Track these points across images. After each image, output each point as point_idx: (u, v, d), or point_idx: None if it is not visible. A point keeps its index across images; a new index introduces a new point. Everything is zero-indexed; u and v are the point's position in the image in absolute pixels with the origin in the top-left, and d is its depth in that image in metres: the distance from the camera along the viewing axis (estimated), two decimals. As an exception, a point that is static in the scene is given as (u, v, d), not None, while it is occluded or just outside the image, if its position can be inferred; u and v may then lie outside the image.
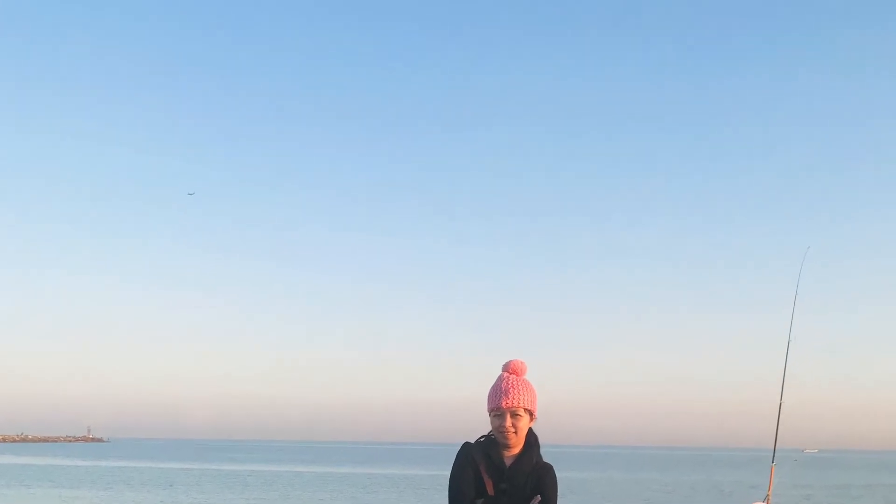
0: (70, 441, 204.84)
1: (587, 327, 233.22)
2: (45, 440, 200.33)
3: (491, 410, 4.13)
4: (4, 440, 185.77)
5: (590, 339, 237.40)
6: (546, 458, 4.20)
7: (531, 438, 4.16)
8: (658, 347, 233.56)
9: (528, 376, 4.20)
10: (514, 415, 4.07)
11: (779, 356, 9.41)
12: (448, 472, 4.13)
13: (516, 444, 4.11)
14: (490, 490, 4.05)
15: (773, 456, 9.38)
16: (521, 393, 4.10)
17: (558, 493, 4.15)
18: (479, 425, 4.21)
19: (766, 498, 9.81)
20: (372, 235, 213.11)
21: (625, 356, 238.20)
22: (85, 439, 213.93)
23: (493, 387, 4.15)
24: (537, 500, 4.07)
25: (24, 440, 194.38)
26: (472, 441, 4.17)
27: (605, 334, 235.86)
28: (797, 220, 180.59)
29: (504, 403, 4.07)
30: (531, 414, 4.14)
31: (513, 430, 4.07)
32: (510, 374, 4.17)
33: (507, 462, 4.10)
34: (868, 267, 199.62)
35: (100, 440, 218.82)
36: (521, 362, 4.21)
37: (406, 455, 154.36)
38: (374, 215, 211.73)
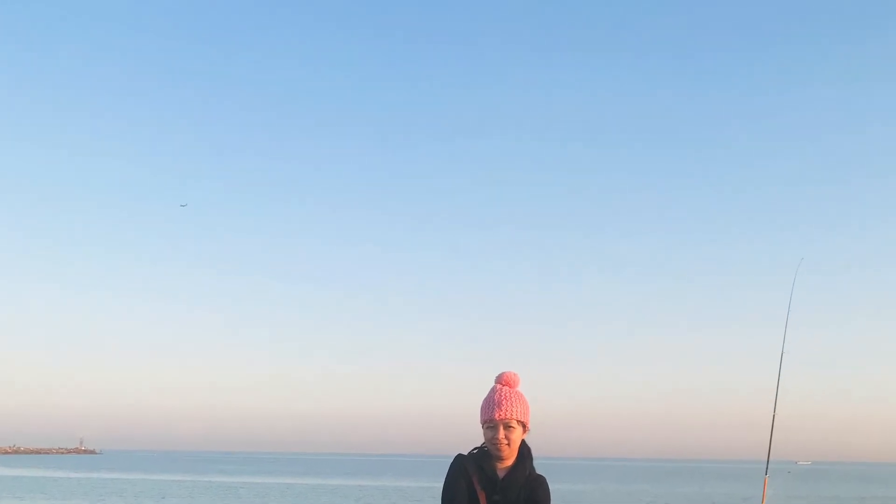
0: (62, 453, 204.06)
1: (580, 339, 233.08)
2: (38, 452, 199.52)
3: (484, 422, 4.13)
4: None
5: (583, 351, 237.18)
6: (539, 470, 4.19)
7: (524, 450, 4.16)
8: (651, 359, 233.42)
9: (520, 388, 4.21)
10: (507, 426, 4.08)
11: (772, 368, 9.40)
12: (441, 484, 4.13)
13: (509, 456, 4.11)
14: (483, 502, 4.04)
15: (767, 468, 9.37)
16: (514, 405, 4.10)
17: (551, 505, 4.16)
18: (472, 437, 4.22)
19: (760, 510, 9.79)
20: (365, 247, 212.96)
21: (618, 368, 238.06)
22: (77, 451, 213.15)
23: (485, 398, 4.15)
24: (530, 512, 4.08)
25: (17, 452, 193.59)
26: (465, 453, 4.17)
27: (599, 346, 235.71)
28: (791, 232, 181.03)
29: (497, 415, 4.07)
30: (524, 426, 4.14)
31: (506, 441, 4.07)
32: (503, 385, 4.17)
33: (500, 474, 4.10)
34: (861, 279, 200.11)
35: (92, 452, 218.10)
36: (514, 374, 4.21)
37: (399, 466, 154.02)
38: (368, 227, 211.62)
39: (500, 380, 4.19)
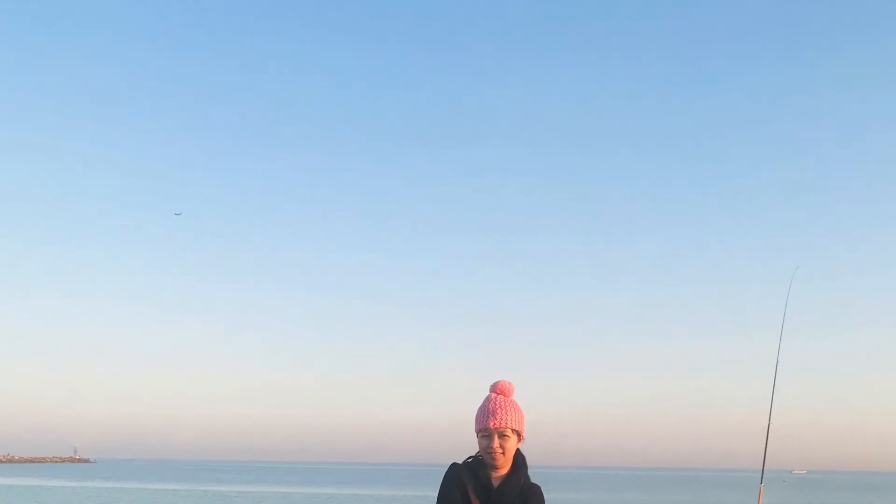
0: (56, 462, 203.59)
1: (574, 347, 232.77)
2: (32, 461, 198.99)
3: (478, 431, 4.12)
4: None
5: (577, 360, 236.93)
6: (534, 479, 4.19)
7: (519, 459, 4.16)
8: (646, 367, 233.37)
9: (515, 397, 4.20)
10: (502, 435, 4.07)
11: (767, 377, 9.42)
12: (436, 493, 4.13)
13: (504, 465, 4.11)
14: (478, 511, 4.04)
15: (762, 477, 9.37)
16: (508, 413, 4.10)
17: (546, 514, 4.16)
18: (467, 446, 4.22)
19: (755, 519, 9.78)
20: (359, 255, 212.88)
21: (612, 376, 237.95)
22: (71, 460, 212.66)
23: (480, 407, 4.15)
24: (525, 521, 4.08)
25: (11, 461, 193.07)
26: (460, 461, 4.17)
27: (593, 354, 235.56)
28: (786, 240, 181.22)
29: (492, 424, 4.07)
30: (519, 434, 4.14)
31: (500, 450, 4.07)
32: (498, 394, 4.17)
33: (495, 483, 4.10)
34: (857, 287, 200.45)
35: (86, 461, 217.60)
36: (509, 383, 4.21)
37: (394, 476, 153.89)
38: (362, 235, 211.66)
39: (495, 388, 4.19)
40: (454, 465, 4.15)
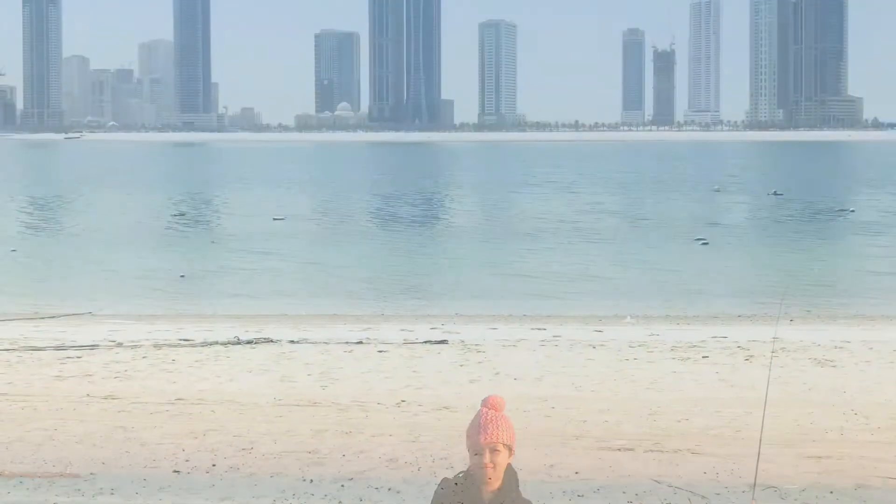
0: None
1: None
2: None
3: (470, 446, 4.12)
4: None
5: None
6: (525, 494, 4.18)
7: (510, 474, 4.15)
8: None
9: (506, 412, 4.19)
10: (493, 450, 4.07)
11: (760, 388, 9.40)
12: (427, 509, 4.11)
13: (495, 480, 4.11)
14: (469, 526, 4.03)
15: (753, 493, 9.37)
16: (499, 428, 4.09)
17: (537, 529, 4.14)
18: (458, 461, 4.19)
19: (748, 533, 9.74)
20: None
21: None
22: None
23: (471, 423, 4.15)
24: (516, 536, 4.07)
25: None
26: (451, 477, 4.15)
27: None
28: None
29: (483, 439, 4.06)
30: (510, 449, 4.13)
31: (491, 465, 4.06)
32: (489, 409, 4.16)
33: (486, 498, 4.10)
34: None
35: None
36: (500, 398, 4.20)
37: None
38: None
39: (486, 403, 4.19)
40: (445, 480, 4.16)
